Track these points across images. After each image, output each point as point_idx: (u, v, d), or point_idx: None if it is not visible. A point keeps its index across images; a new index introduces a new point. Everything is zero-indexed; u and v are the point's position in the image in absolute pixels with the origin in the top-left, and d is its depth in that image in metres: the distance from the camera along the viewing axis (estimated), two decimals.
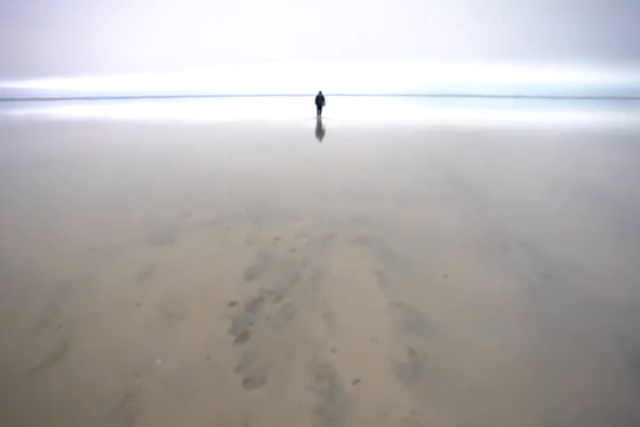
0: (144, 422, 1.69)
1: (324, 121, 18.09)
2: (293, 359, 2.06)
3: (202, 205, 4.86)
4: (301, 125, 16.01)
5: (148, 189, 5.71)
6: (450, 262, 3.21)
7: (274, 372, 1.96)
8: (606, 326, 2.34)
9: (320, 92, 19.34)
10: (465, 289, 2.78)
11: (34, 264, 3.23)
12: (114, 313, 2.51)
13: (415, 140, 11.38)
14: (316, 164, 7.50)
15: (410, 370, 1.97)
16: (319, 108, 19.83)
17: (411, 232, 3.87)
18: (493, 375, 1.94)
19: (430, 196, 5.21)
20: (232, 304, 2.57)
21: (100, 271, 3.09)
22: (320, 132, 13.67)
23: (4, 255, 3.45)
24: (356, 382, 1.89)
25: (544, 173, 6.60)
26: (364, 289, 2.78)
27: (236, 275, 2.98)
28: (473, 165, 7.43)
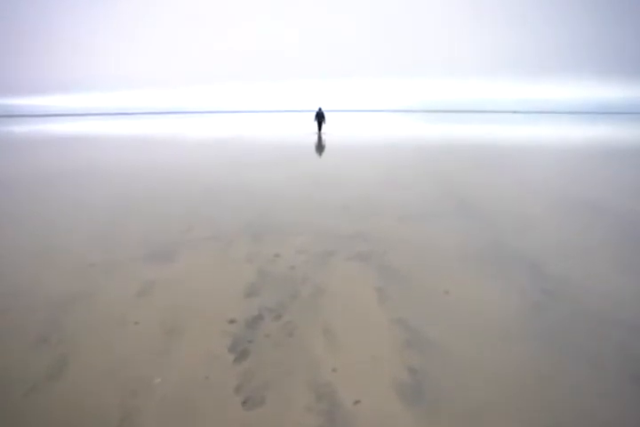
0: None
1: (324, 137, 18.31)
2: (293, 378, 2.03)
3: (202, 220, 4.88)
4: (302, 141, 16.20)
5: (148, 205, 5.74)
6: (451, 278, 3.20)
7: (274, 391, 1.94)
8: (609, 342, 2.32)
9: (320, 109, 19.62)
10: (466, 305, 2.77)
11: (33, 280, 3.22)
12: (113, 330, 2.49)
13: (414, 155, 11.50)
14: (317, 179, 7.56)
15: (411, 389, 1.95)
16: (319, 125, 20.06)
17: (411, 248, 3.88)
18: (496, 394, 1.91)
19: (430, 211, 5.24)
20: (232, 322, 2.56)
21: (99, 288, 3.08)
22: (320, 148, 13.83)
23: (4, 270, 3.45)
24: (356, 402, 1.86)
25: (544, 188, 6.65)
26: (365, 306, 2.76)
27: (236, 292, 2.97)
28: (472, 179, 7.49)
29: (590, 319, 2.59)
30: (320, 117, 19.70)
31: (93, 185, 7.31)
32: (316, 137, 18.17)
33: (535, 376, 2.05)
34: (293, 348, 2.30)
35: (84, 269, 3.43)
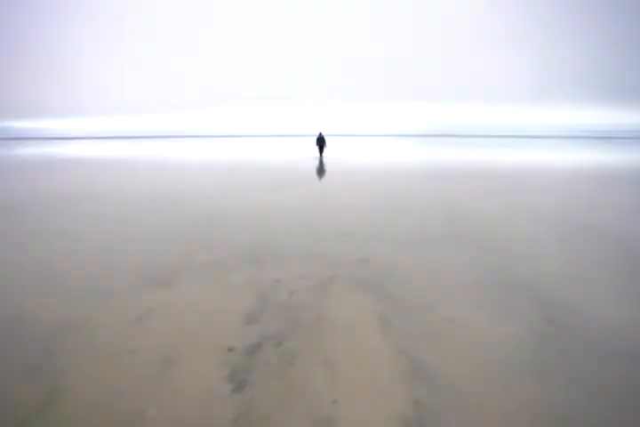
0: None
1: (325, 160, 18.56)
2: (293, 411, 1.98)
3: (202, 246, 4.88)
4: (304, 166, 16.41)
5: (147, 229, 5.76)
6: (453, 305, 3.16)
7: (272, 424, 1.88)
8: (615, 373, 2.26)
9: (320, 134, 19.99)
10: (470, 334, 2.72)
11: (31, 306, 3.19)
12: (108, 359, 2.44)
13: (415, 180, 11.61)
14: (318, 204, 7.61)
15: (414, 423, 1.88)
16: (321, 149, 20.35)
17: (413, 275, 3.85)
18: None
19: (431, 236, 5.24)
20: (231, 350, 2.52)
21: (97, 314, 3.05)
22: (322, 172, 13.99)
23: (1, 297, 3.42)
24: None
25: (546, 213, 6.66)
26: (366, 335, 2.72)
27: (236, 319, 2.94)
28: (473, 204, 7.53)
29: (595, 349, 2.53)
30: (321, 142, 20.01)
31: (94, 209, 7.37)
32: (317, 161, 18.42)
33: (539, 410, 1.99)
34: (293, 378, 2.24)
35: (82, 295, 3.40)
